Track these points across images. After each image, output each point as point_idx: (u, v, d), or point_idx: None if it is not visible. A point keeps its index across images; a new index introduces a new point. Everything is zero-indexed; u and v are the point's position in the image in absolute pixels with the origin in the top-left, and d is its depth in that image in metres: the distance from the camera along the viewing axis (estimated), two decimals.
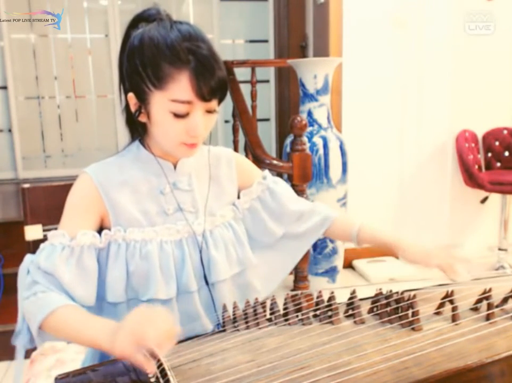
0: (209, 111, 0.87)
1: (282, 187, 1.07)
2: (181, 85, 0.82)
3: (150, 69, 0.83)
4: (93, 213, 0.90)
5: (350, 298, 0.89)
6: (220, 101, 0.88)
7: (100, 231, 0.90)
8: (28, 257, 0.88)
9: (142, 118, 0.90)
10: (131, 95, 0.88)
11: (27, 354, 1.28)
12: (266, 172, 1.08)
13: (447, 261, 0.94)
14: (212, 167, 1.00)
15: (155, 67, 0.83)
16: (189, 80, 0.81)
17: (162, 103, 0.84)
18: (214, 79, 0.83)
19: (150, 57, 0.83)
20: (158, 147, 0.93)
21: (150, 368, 0.67)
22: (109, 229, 0.90)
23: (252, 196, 1.04)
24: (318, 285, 2.66)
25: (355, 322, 0.85)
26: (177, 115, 0.84)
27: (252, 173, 1.07)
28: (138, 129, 0.94)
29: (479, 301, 0.88)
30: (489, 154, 3.06)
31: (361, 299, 0.90)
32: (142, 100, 0.87)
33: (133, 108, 0.89)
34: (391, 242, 1.01)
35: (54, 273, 0.84)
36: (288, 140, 2.60)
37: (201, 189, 0.98)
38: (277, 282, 1.07)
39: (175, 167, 0.95)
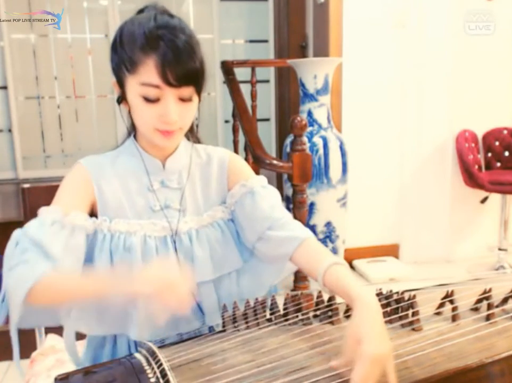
0: (183, 100, 0.87)
1: (267, 192, 0.98)
2: (148, 69, 0.84)
3: (125, 55, 0.86)
4: (85, 196, 0.91)
5: None
6: (197, 92, 0.88)
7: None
8: (17, 231, 0.86)
9: (125, 105, 0.92)
10: (114, 82, 0.92)
11: (28, 354, 1.28)
12: (261, 177, 1.01)
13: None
14: (201, 167, 1.00)
15: (129, 52, 0.85)
16: (156, 65, 0.83)
17: (134, 87, 0.86)
18: (182, 66, 0.83)
19: (126, 43, 0.86)
20: (144, 139, 0.95)
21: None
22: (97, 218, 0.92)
23: (233, 199, 0.99)
24: (318, 285, 2.66)
25: None
26: (147, 99, 0.85)
27: (241, 174, 1.01)
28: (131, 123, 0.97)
29: (479, 301, 0.88)
30: (489, 154, 3.06)
31: None
32: (121, 85, 0.90)
33: (116, 95, 0.93)
34: (351, 299, 0.75)
35: (42, 242, 0.82)
36: (288, 140, 2.60)
37: (190, 187, 0.98)
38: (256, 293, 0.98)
39: (164, 165, 0.96)
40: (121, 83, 0.90)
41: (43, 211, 0.87)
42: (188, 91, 0.86)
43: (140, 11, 0.92)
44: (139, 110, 0.88)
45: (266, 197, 0.97)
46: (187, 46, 0.84)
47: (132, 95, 0.87)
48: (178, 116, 0.87)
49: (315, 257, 0.86)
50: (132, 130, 0.98)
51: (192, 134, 1.03)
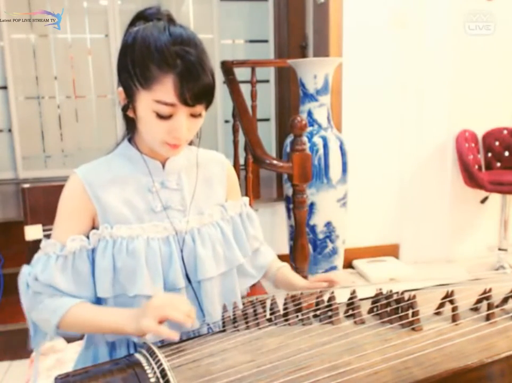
0: (193, 115, 0.88)
1: (256, 218, 1.11)
2: (165, 88, 0.84)
3: (138, 69, 0.85)
4: (84, 215, 0.92)
5: (350, 298, 0.89)
6: (206, 107, 0.90)
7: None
8: (25, 269, 0.91)
9: (130, 114, 0.92)
10: (120, 90, 0.91)
11: (28, 354, 1.28)
12: (247, 199, 1.10)
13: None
14: (201, 168, 1.02)
15: (143, 67, 0.85)
16: (174, 84, 0.83)
17: (147, 102, 0.86)
18: (198, 85, 0.84)
19: (139, 56, 0.85)
20: (145, 144, 0.95)
21: (175, 336, 0.78)
22: (98, 228, 0.92)
23: (236, 210, 1.05)
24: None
25: (355, 322, 0.85)
26: (160, 116, 0.86)
27: (237, 189, 1.10)
28: (129, 124, 0.96)
29: (479, 301, 0.88)
30: (489, 154, 3.06)
31: (361, 299, 0.90)
32: (130, 96, 0.89)
33: (121, 103, 0.92)
34: (301, 283, 1.03)
35: (52, 284, 0.88)
36: (288, 140, 2.60)
37: (190, 188, 0.99)
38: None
39: (163, 166, 0.97)
40: (129, 94, 0.89)
41: (45, 246, 0.90)
42: (200, 108, 0.88)
43: (141, 14, 0.91)
44: (149, 124, 0.88)
45: (254, 222, 1.09)
46: (201, 62, 0.85)
47: (144, 109, 0.87)
48: (187, 132, 0.88)
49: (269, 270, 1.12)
50: (128, 134, 0.98)
51: None
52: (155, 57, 0.83)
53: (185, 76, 0.83)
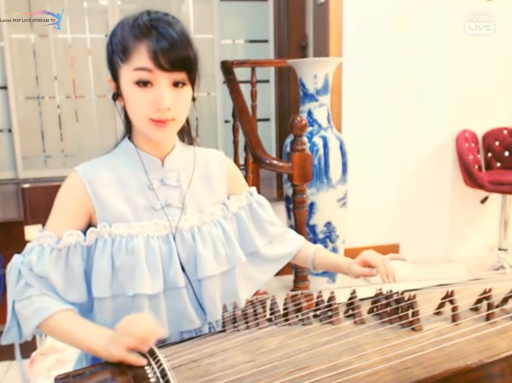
0: (176, 85, 0.89)
1: (268, 204, 1.11)
2: (141, 54, 0.86)
3: (119, 46, 0.89)
4: (81, 212, 0.92)
5: (350, 298, 0.89)
6: (190, 79, 0.90)
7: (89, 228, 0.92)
8: (17, 258, 0.90)
9: (120, 102, 0.93)
10: (109, 78, 0.95)
11: (28, 354, 1.28)
12: (254, 188, 1.11)
13: (382, 262, 1.02)
14: (200, 166, 1.02)
15: (122, 43, 0.89)
16: (148, 49, 0.86)
17: (127, 75, 0.88)
18: (174, 51, 0.86)
19: (118, 36, 0.90)
20: (140, 136, 0.95)
21: (141, 363, 0.74)
22: (96, 226, 0.91)
23: (240, 203, 1.05)
24: (318, 285, 2.66)
25: (355, 322, 0.85)
26: (140, 83, 0.87)
27: (241, 182, 1.10)
28: (128, 122, 0.97)
29: (479, 301, 0.88)
30: (489, 154, 3.06)
31: (361, 299, 0.90)
32: (116, 78, 0.92)
33: (112, 91, 0.94)
34: (345, 263, 1.06)
35: (47, 276, 0.87)
36: (288, 140, 2.60)
37: (189, 186, 0.99)
38: (250, 293, 1.06)
39: (163, 164, 0.97)
40: (115, 77, 0.92)
41: (40, 237, 0.89)
42: (180, 75, 0.88)
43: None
44: (132, 99, 0.89)
45: (269, 207, 1.10)
46: (180, 36, 0.87)
47: (126, 84, 0.89)
48: (171, 103, 0.88)
49: (303, 254, 1.14)
50: (128, 131, 0.98)
51: (187, 136, 1.04)
52: (132, 31, 0.88)
53: (160, 42, 0.85)
